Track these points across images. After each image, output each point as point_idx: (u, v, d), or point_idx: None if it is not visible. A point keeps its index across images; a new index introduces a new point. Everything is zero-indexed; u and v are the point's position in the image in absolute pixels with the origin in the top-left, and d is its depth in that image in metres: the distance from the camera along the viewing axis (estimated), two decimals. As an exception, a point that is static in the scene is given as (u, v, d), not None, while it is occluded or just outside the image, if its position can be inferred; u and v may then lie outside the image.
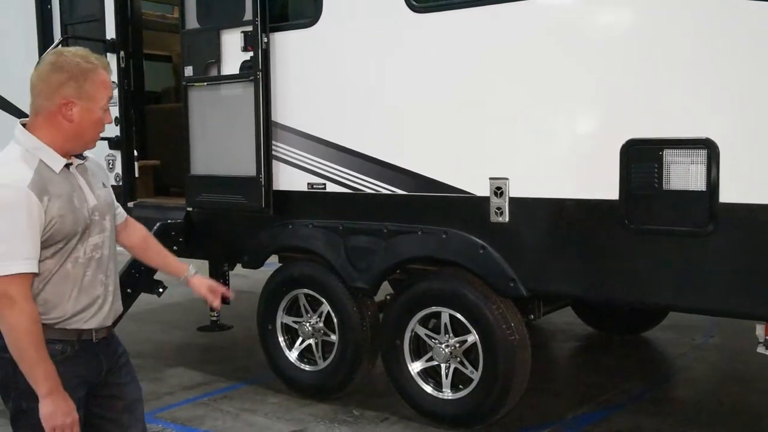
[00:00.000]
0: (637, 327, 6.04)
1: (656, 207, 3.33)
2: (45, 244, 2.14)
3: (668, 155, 3.28)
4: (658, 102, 3.33)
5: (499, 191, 3.73)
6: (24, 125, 2.22)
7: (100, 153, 4.87)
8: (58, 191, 2.16)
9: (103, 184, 2.37)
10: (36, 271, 2.12)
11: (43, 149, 2.17)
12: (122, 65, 5.14)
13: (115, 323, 2.42)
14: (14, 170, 2.12)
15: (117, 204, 2.51)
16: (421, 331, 4.21)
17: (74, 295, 2.23)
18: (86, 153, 2.35)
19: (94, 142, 2.28)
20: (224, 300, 5.35)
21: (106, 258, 2.31)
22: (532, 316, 4.10)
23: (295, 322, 4.76)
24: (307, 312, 4.71)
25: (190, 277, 2.59)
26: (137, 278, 4.62)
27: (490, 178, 3.75)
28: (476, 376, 3.99)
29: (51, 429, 2.14)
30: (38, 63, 2.23)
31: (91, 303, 2.28)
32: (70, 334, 2.25)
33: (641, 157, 3.34)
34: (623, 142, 3.37)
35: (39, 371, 2.12)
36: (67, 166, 2.22)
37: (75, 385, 2.25)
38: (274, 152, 4.52)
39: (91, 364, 2.32)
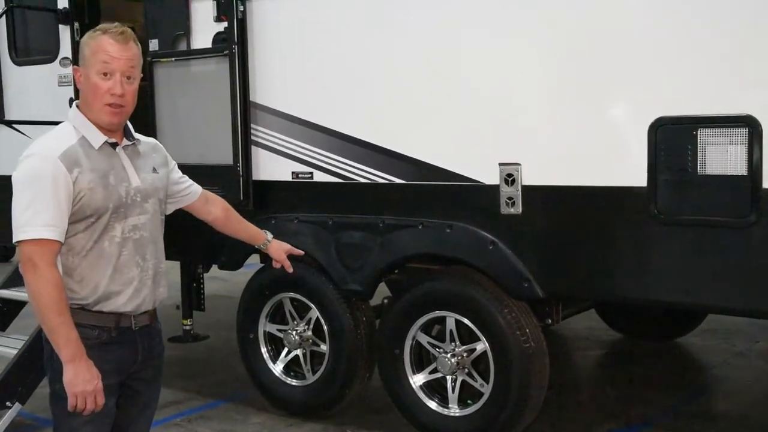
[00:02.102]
0: (670, 332, 6.06)
1: (690, 195, 3.34)
2: (76, 217, 2.43)
3: (703, 135, 3.29)
4: (691, 75, 3.34)
5: (510, 179, 3.74)
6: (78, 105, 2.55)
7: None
8: (92, 166, 2.45)
9: (154, 169, 2.66)
10: (58, 239, 2.39)
11: (86, 126, 2.50)
12: (77, 39, 5.13)
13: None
14: (52, 142, 2.45)
15: (190, 182, 2.94)
16: (424, 339, 4.22)
17: (108, 274, 2.50)
18: (146, 138, 2.72)
19: (105, 113, 2.48)
20: (198, 307, 5.38)
21: (145, 240, 2.58)
22: (550, 321, 4.10)
23: (279, 330, 4.77)
24: (293, 319, 4.72)
25: (269, 243, 3.17)
26: None
27: (500, 164, 3.76)
28: (487, 389, 4.01)
29: (72, 396, 2.40)
30: None
31: (126, 284, 2.53)
32: (107, 319, 2.51)
33: (672, 138, 3.34)
34: (652, 120, 3.38)
35: (60, 336, 2.38)
36: (113, 145, 2.53)
37: (107, 370, 2.49)
38: (253, 137, 4.53)
39: (126, 352, 2.57)
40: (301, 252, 3.32)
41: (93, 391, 2.41)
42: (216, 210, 3.04)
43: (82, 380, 2.39)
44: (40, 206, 2.36)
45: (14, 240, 2.38)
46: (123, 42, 2.47)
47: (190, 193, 2.94)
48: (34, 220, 2.36)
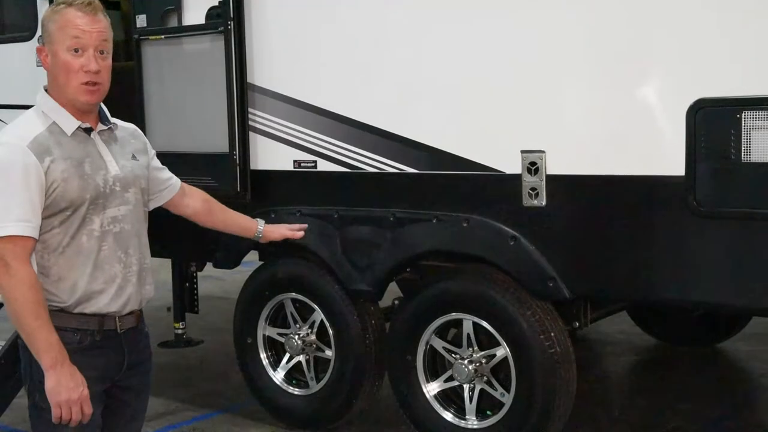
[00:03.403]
0: (711, 336, 6.04)
1: (733, 184, 3.32)
2: (50, 211, 2.43)
3: (748, 118, 3.26)
4: (734, 51, 3.32)
5: (533, 167, 3.73)
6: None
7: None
8: (65, 154, 2.45)
9: (134, 156, 2.66)
10: (32, 235, 2.39)
11: (56, 110, 2.49)
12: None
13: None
14: (20, 129, 2.46)
15: (170, 174, 2.92)
16: (438, 344, 4.23)
17: (89, 271, 2.50)
18: (123, 123, 2.72)
19: (81, 92, 2.47)
20: (191, 309, 5.30)
21: (127, 234, 2.58)
22: (577, 324, 4.12)
23: (280, 334, 4.79)
24: (295, 322, 4.74)
25: (263, 230, 3.21)
26: None
27: (522, 152, 3.75)
28: (508, 399, 4.01)
29: (56, 405, 2.39)
30: None
31: (109, 281, 2.53)
32: (90, 321, 2.52)
33: (713, 122, 3.32)
34: (690, 102, 3.36)
35: (39, 341, 2.38)
36: (88, 131, 2.53)
37: (91, 378, 2.49)
38: (251, 122, 4.53)
39: (112, 357, 2.58)
40: (300, 233, 3.44)
41: (78, 400, 2.40)
42: (195, 202, 3.04)
43: (65, 388, 2.38)
44: (9, 200, 2.36)
45: None
46: (92, 13, 2.46)
47: (170, 186, 2.92)
48: (5, 215, 2.36)
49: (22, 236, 2.37)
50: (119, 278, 2.55)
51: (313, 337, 4.67)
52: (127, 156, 2.63)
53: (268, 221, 4.51)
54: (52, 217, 2.44)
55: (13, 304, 2.37)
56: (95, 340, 2.53)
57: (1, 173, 2.38)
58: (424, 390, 4.26)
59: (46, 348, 2.38)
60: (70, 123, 2.49)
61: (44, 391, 2.41)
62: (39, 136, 2.42)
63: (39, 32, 5.25)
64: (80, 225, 2.48)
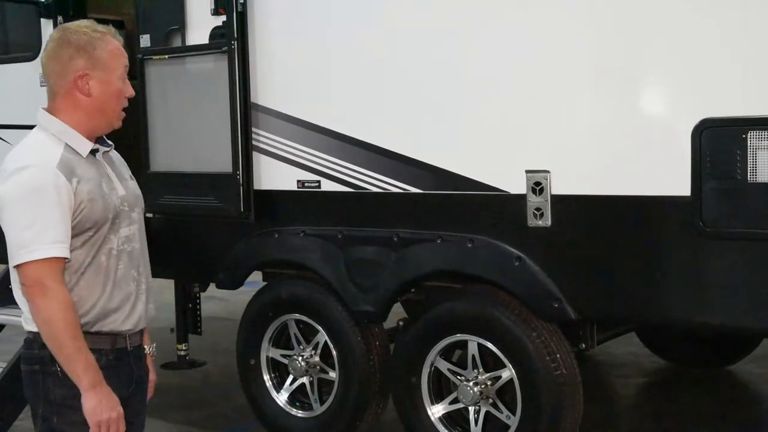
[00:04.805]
0: (721, 358, 6.03)
1: (739, 205, 3.34)
2: (74, 232, 2.46)
3: (754, 138, 3.28)
4: (740, 71, 3.35)
5: (538, 187, 3.76)
6: (47, 111, 2.57)
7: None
8: (86, 175, 2.50)
9: (131, 176, 2.74)
10: (67, 255, 2.43)
11: (68, 132, 2.53)
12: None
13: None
14: (40, 152, 2.47)
15: None
16: (443, 366, 4.24)
17: (108, 290, 2.56)
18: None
19: (119, 118, 2.63)
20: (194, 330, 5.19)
21: (137, 253, 2.66)
22: (584, 345, 4.11)
23: (284, 356, 4.81)
24: (299, 343, 4.76)
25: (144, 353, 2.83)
26: None
27: (527, 171, 3.78)
28: (513, 421, 4.02)
29: (96, 425, 2.44)
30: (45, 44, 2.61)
31: (124, 300, 2.60)
32: (103, 341, 2.56)
33: (719, 142, 3.35)
34: (696, 122, 3.38)
35: (78, 363, 2.42)
36: (94, 153, 2.58)
37: None
38: (254, 142, 4.57)
39: (123, 375, 2.64)
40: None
41: (117, 418, 2.47)
42: None
43: (106, 408, 2.44)
44: (45, 222, 2.38)
45: (16, 262, 2.40)
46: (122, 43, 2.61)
47: None
48: (41, 237, 2.38)
49: (58, 257, 2.41)
50: (133, 296, 2.62)
51: (317, 358, 4.69)
52: (126, 176, 2.71)
53: (271, 243, 4.57)
54: (75, 238, 2.47)
55: (53, 326, 2.39)
56: (109, 359, 2.57)
57: (35, 195, 2.39)
58: (429, 412, 4.27)
59: (86, 369, 2.42)
60: (84, 145, 2.54)
61: (64, 414, 2.46)
62: (63, 158, 2.46)
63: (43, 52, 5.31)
64: (101, 245, 2.53)
